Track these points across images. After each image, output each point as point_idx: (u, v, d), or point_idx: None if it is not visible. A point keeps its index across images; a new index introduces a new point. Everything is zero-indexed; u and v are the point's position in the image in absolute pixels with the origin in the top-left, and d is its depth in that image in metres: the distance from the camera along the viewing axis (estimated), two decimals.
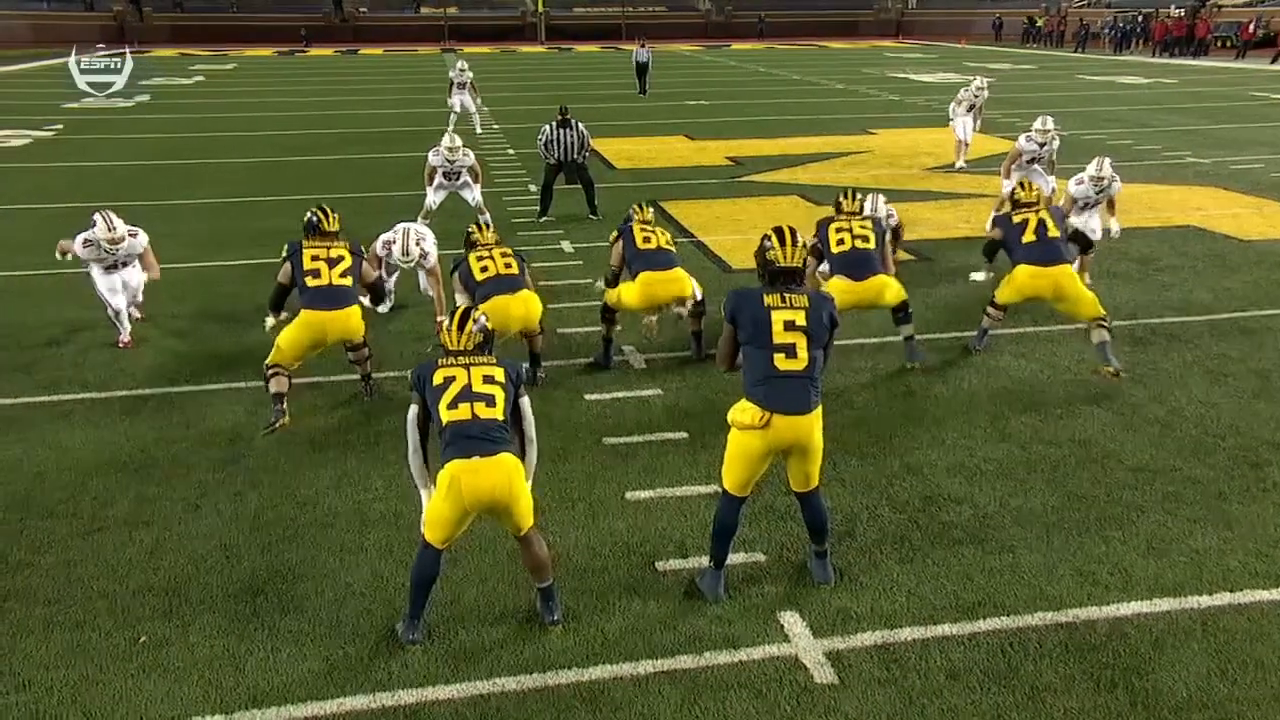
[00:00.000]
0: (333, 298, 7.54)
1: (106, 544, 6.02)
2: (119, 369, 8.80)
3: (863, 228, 8.47)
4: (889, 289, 8.46)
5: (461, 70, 23.47)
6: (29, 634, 5.15)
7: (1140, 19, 47.40)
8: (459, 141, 13.11)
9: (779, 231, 5.25)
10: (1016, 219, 8.51)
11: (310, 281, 7.50)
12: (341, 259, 7.64)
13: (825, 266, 8.78)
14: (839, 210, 8.80)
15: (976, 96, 18.17)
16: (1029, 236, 8.33)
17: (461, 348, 5.11)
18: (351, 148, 21.67)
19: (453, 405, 4.89)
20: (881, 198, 10.38)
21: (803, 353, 5.05)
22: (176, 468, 7.01)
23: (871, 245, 8.41)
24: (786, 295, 5.12)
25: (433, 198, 13.24)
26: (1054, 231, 8.31)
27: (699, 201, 15.80)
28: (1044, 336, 9.38)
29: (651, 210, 9.15)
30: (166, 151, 21.31)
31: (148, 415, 7.90)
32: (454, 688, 4.74)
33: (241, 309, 10.24)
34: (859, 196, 8.98)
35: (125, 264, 9.31)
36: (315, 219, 7.86)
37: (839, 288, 8.15)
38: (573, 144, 13.88)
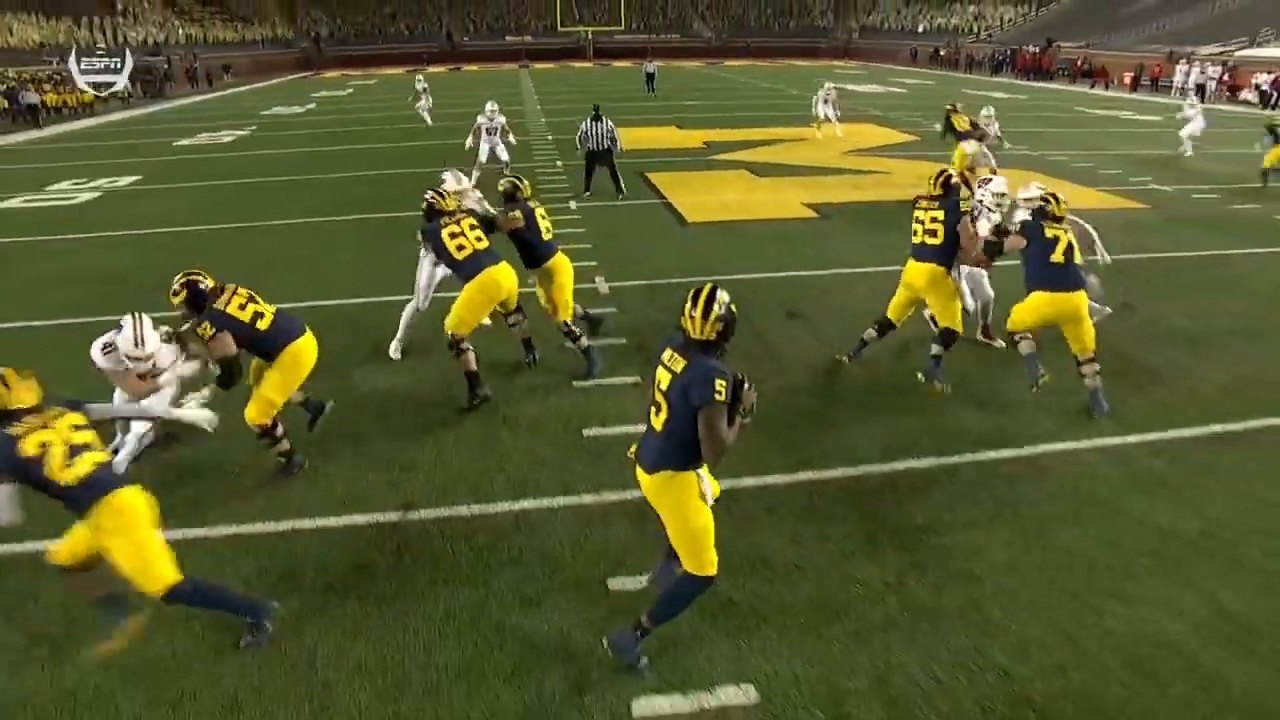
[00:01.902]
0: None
1: None
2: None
3: (935, 220, 6.09)
4: (933, 290, 6.13)
5: (420, 81, 24.14)
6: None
7: (1009, 52, 45.80)
8: (497, 106, 14.39)
9: (696, 296, 3.35)
10: (1049, 233, 5.74)
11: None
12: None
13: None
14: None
15: (828, 95, 19.85)
16: (1057, 258, 5.69)
17: (28, 405, 3.46)
18: (447, 135, 21.14)
19: (69, 464, 3.42)
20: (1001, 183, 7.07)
21: (661, 414, 3.38)
22: None
23: (937, 240, 6.06)
24: (675, 354, 3.37)
25: (482, 151, 14.08)
26: (1078, 257, 5.78)
27: (674, 172, 15.26)
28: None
29: (529, 184, 6.73)
30: (324, 140, 20.89)
31: None
32: (424, 512, 4.75)
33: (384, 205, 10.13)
34: (944, 179, 6.21)
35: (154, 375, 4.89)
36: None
37: (907, 264, 6.29)
38: (603, 134, 12.76)
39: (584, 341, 6.51)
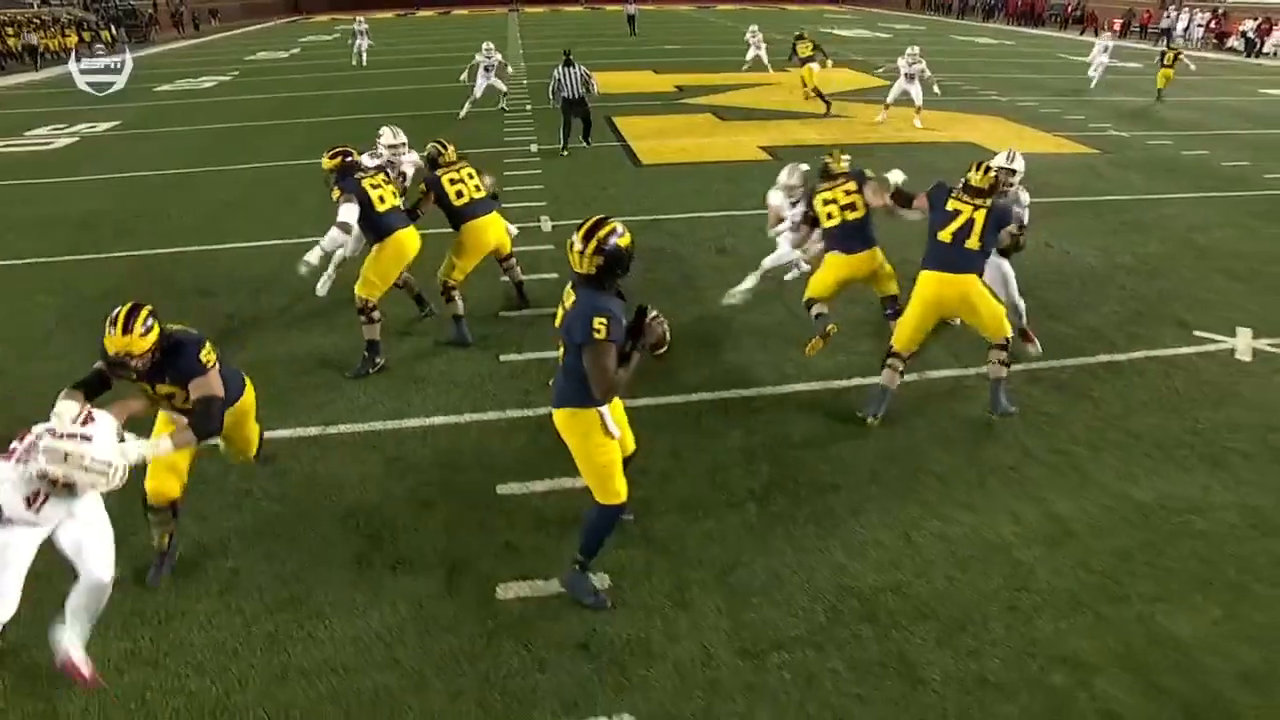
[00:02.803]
0: None
1: None
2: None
3: (848, 194, 5.56)
4: (882, 270, 5.70)
5: (360, 22, 25.01)
6: None
7: None
8: (492, 45, 15.50)
9: (581, 228, 3.22)
10: (951, 204, 4.92)
11: None
12: None
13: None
14: (826, 174, 5.79)
15: (753, 36, 20.97)
16: (944, 235, 4.85)
17: None
18: (429, 79, 21.04)
19: None
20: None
21: (560, 351, 3.35)
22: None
23: (862, 213, 5.52)
24: (569, 290, 3.30)
25: (478, 88, 15.14)
26: (974, 242, 4.79)
27: (640, 116, 15.31)
28: None
29: (453, 148, 6.25)
30: (306, 85, 20.70)
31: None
32: (343, 427, 5.10)
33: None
34: (846, 157, 5.94)
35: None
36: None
37: (834, 262, 5.63)
38: (576, 81, 11.94)
39: (458, 307, 6.15)
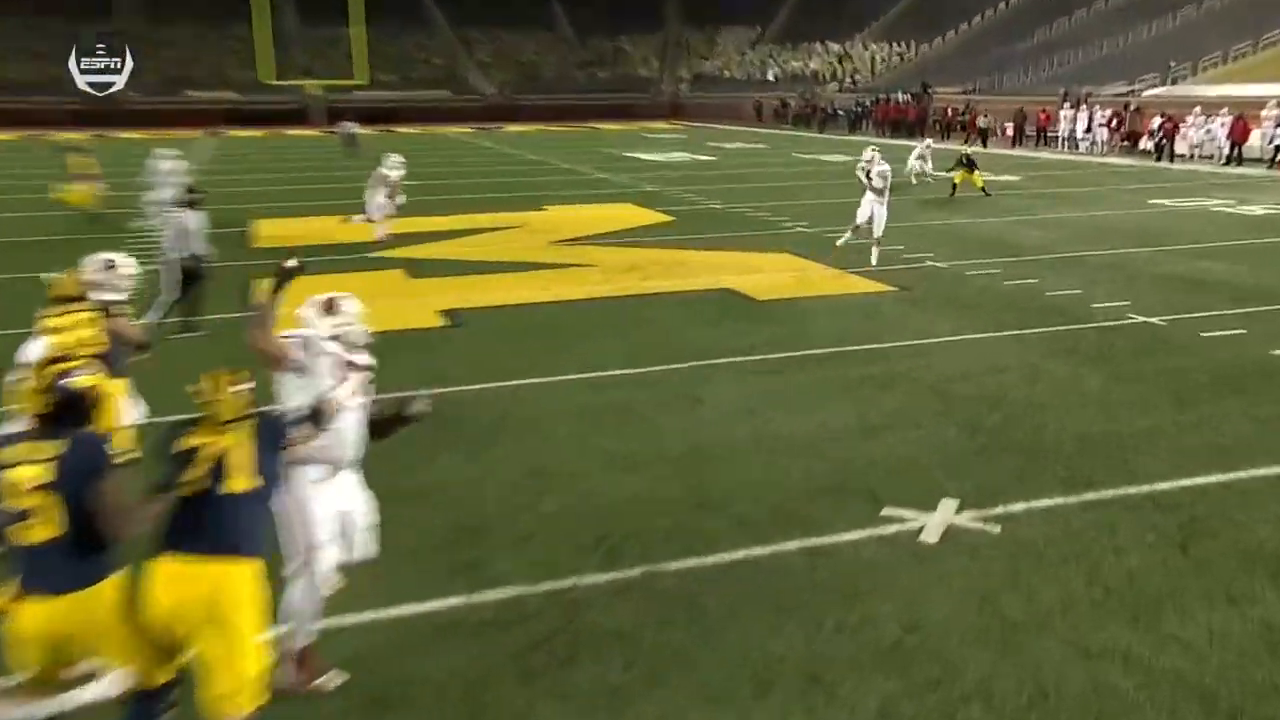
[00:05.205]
0: None
1: None
2: None
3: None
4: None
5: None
6: None
7: (868, 103, 51.10)
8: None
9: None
10: (185, 442, 4.05)
11: None
12: None
13: None
14: None
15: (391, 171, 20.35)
16: (184, 490, 4.00)
17: None
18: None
19: None
20: None
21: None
22: None
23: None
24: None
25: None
26: (246, 480, 4.05)
27: (309, 275, 15.80)
28: None
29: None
30: None
31: None
32: None
33: None
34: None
35: None
36: None
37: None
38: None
39: None
